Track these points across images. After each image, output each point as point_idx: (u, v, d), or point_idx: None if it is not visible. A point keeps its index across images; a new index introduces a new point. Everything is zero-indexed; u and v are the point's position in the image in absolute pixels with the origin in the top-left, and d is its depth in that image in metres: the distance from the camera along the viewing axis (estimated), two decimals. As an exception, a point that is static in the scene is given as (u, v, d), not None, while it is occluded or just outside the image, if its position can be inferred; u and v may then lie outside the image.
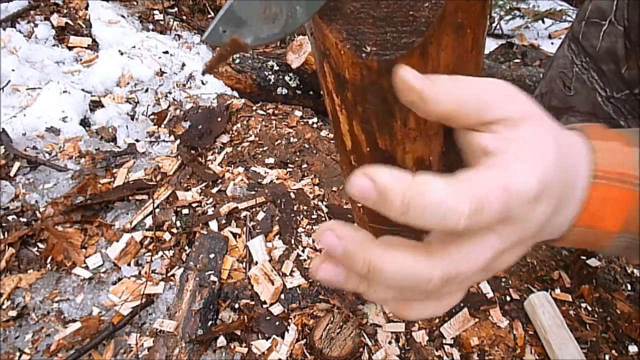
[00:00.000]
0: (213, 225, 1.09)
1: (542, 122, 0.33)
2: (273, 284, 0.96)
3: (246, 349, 0.89)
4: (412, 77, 0.31)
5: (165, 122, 1.50)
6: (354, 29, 0.39)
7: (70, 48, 1.69)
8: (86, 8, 1.83)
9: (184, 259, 1.04)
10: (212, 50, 1.91)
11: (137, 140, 1.42)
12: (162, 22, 1.97)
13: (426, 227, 0.27)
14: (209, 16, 2.05)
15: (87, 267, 1.02)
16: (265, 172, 1.26)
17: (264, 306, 0.95)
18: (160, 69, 1.68)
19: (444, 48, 0.40)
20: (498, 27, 2.43)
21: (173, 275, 1.01)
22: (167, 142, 1.42)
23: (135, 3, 2.03)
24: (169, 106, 1.55)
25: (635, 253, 0.37)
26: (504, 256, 0.31)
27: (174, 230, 1.10)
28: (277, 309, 0.94)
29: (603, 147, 0.35)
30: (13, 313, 0.93)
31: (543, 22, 2.44)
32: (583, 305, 1.02)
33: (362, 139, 0.52)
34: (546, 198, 0.29)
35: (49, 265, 1.03)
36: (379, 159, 0.54)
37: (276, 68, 1.78)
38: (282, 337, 0.90)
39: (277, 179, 1.24)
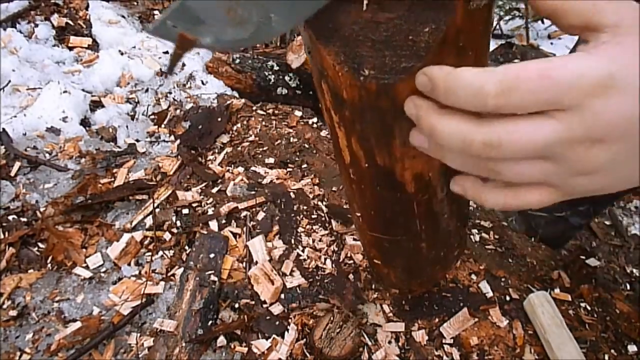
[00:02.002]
0: (213, 225, 1.09)
1: None
2: (273, 283, 0.96)
3: (246, 349, 0.89)
4: None
5: (165, 122, 1.50)
6: (352, 51, 0.38)
7: (70, 48, 1.69)
8: (86, 8, 1.84)
9: (184, 259, 1.04)
10: (213, 51, 1.91)
11: (138, 140, 1.42)
12: (162, 22, 1.97)
13: (466, 108, 0.31)
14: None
15: (87, 267, 1.02)
16: (265, 172, 1.26)
17: (264, 306, 0.95)
18: (161, 69, 1.68)
19: None
20: (498, 27, 2.43)
21: (173, 275, 1.01)
22: (167, 142, 1.42)
23: (135, 3, 2.03)
24: (169, 106, 1.56)
25: None
26: (577, 149, 0.31)
27: (174, 230, 1.10)
28: (277, 309, 0.94)
29: None
30: (13, 313, 0.93)
31: (542, 22, 2.44)
32: (582, 305, 1.02)
33: (361, 154, 0.51)
34: (620, 95, 0.29)
35: (49, 265, 1.03)
36: (377, 175, 0.53)
37: (276, 68, 1.78)
38: (282, 337, 0.90)
39: (277, 179, 1.24)
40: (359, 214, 0.68)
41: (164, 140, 1.43)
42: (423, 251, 0.71)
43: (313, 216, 1.12)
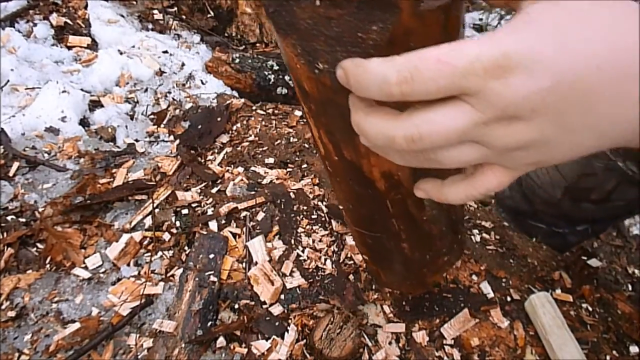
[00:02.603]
0: (213, 225, 1.09)
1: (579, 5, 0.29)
2: (273, 284, 0.96)
3: (246, 350, 0.88)
4: None
5: (164, 122, 1.50)
6: (308, 45, 0.38)
7: (69, 47, 1.69)
8: (85, 7, 1.83)
9: (184, 259, 1.04)
10: (212, 50, 1.91)
11: (137, 140, 1.42)
12: (161, 22, 1.96)
13: (378, 99, 0.32)
14: (209, 15, 2.05)
15: (86, 268, 1.02)
16: (265, 172, 1.25)
17: (264, 306, 0.94)
18: (160, 69, 1.68)
19: None
20: (499, 25, 2.43)
21: (172, 275, 1.01)
22: (166, 142, 1.41)
23: (134, 2, 2.02)
24: (168, 106, 1.55)
25: None
26: (496, 130, 0.31)
27: (174, 231, 1.09)
28: (277, 309, 0.93)
29: None
30: (12, 313, 0.93)
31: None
32: (584, 305, 1.02)
33: (330, 148, 0.52)
34: (520, 73, 0.28)
35: (48, 266, 1.02)
36: (348, 169, 0.54)
37: (276, 68, 1.77)
38: (282, 338, 0.90)
39: (277, 179, 1.23)
40: (341, 207, 0.68)
41: (163, 140, 1.42)
42: (406, 252, 0.71)
43: (313, 216, 1.12)
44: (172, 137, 1.43)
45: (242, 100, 1.57)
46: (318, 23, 0.37)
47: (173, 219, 1.11)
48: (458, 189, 0.39)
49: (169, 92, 1.62)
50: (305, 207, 1.13)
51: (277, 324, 0.91)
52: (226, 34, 2.06)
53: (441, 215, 0.66)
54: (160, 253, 1.05)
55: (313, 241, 1.06)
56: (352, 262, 1.03)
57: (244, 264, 1.02)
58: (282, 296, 0.96)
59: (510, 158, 0.34)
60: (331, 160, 0.55)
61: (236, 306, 0.95)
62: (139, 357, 0.88)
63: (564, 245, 1.27)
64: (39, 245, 1.05)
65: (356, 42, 0.36)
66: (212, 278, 0.97)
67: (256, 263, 1.01)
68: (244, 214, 1.12)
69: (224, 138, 1.40)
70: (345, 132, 0.46)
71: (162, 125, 1.48)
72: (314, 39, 0.38)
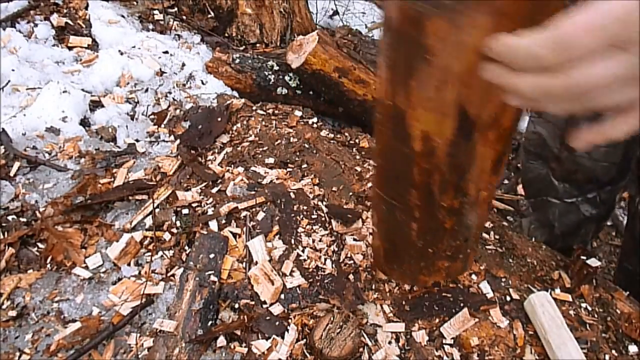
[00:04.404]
0: (213, 225, 1.09)
1: None
2: (273, 284, 0.96)
3: (246, 349, 0.89)
4: None
5: (165, 122, 1.50)
6: None
7: (70, 48, 1.69)
8: (86, 8, 1.83)
9: (184, 259, 1.04)
10: (212, 50, 1.91)
11: (137, 140, 1.42)
12: (162, 22, 1.97)
13: (529, 70, 0.38)
14: (209, 16, 2.05)
15: (87, 267, 1.02)
16: (265, 172, 1.26)
17: (264, 306, 0.95)
18: (160, 69, 1.68)
19: None
20: None
21: (173, 275, 1.01)
22: (167, 142, 1.42)
23: (135, 3, 2.03)
24: (168, 106, 1.55)
25: None
26: None
27: (174, 230, 1.09)
28: (277, 309, 0.94)
29: None
30: (13, 313, 0.93)
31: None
32: (583, 305, 1.02)
33: (386, 88, 0.56)
34: None
35: (48, 265, 1.03)
36: (394, 117, 0.58)
37: (276, 68, 1.78)
38: (282, 337, 0.90)
39: (277, 179, 1.24)
40: (373, 164, 0.69)
41: (163, 140, 1.42)
42: (412, 234, 0.72)
43: (313, 216, 1.12)
44: (172, 137, 1.43)
45: (242, 100, 1.58)
46: None
47: (173, 218, 1.12)
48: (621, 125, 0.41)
49: (170, 93, 1.62)
50: (305, 207, 1.14)
51: (277, 323, 0.92)
52: (226, 35, 2.06)
53: (457, 217, 0.66)
54: (160, 253, 1.05)
55: (313, 241, 1.07)
56: (352, 262, 1.03)
57: (244, 263, 1.02)
58: (282, 296, 0.96)
59: None
60: (382, 104, 0.57)
61: (236, 306, 0.95)
62: (140, 356, 0.88)
63: (581, 223, 1.28)
64: (39, 245, 1.06)
65: None
66: (213, 278, 0.97)
67: (256, 263, 1.01)
68: (244, 213, 1.12)
69: (224, 138, 1.40)
70: (403, 69, 0.49)
71: (162, 126, 1.48)
72: None
